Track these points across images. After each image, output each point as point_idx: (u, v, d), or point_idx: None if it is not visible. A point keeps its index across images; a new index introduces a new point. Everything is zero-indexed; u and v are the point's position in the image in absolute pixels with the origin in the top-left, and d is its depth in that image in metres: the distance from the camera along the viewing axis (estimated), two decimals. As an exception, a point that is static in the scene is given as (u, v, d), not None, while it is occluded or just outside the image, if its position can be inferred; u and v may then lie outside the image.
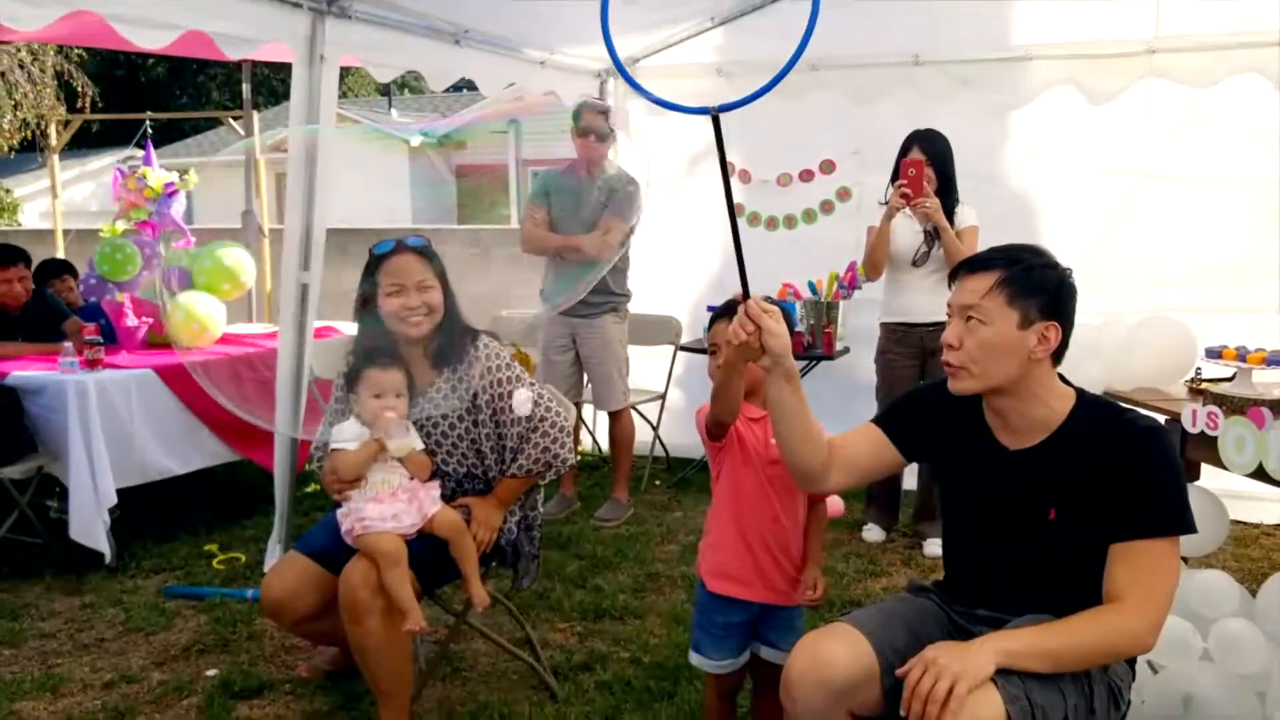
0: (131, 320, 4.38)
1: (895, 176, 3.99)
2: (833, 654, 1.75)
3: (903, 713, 1.63)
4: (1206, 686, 2.35)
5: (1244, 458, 2.67)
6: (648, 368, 5.33)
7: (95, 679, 2.91)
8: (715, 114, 1.74)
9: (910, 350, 3.97)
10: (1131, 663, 1.94)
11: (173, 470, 4.03)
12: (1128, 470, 1.74)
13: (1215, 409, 2.82)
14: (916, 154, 3.92)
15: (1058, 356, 1.85)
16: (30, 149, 13.95)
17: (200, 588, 3.59)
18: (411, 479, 2.49)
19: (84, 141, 18.97)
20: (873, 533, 4.22)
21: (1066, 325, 1.82)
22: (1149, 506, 1.73)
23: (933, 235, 3.94)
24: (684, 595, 3.55)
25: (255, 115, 10.97)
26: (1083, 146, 4.76)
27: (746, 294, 1.85)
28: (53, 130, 11.09)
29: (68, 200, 14.69)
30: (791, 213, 5.39)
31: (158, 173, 6.11)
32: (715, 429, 2.15)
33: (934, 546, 4.01)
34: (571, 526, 4.29)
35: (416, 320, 2.50)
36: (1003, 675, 1.63)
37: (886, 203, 3.98)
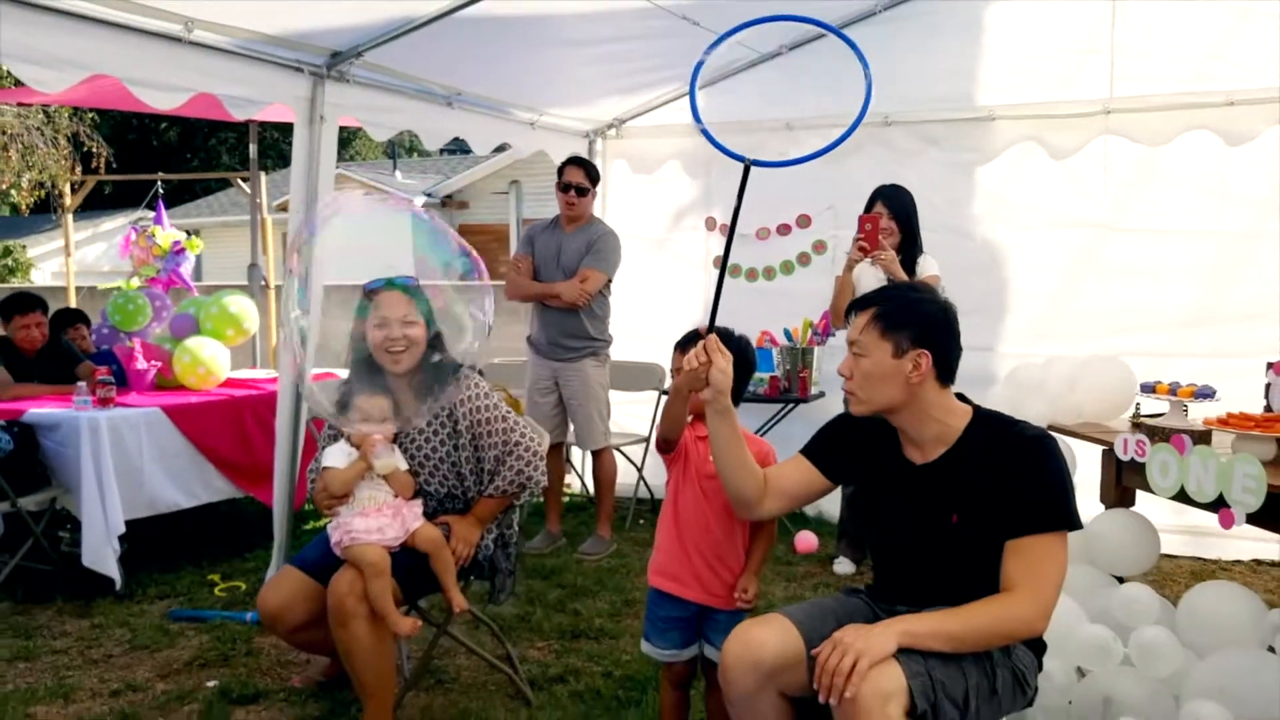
0: (141, 364, 4.64)
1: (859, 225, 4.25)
2: (763, 638, 1.97)
3: (815, 686, 1.83)
4: (1126, 689, 2.53)
5: (1168, 481, 2.89)
6: (632, 412, 5.58)
7: (103, 688, 3.12)
8: (747, 164, 2.11)
9: None
10: (1039, 653, 2.14)
11: (179, 504, 4.26)
12: (1018, 474, 1.96)
13: (1144, 437, 3.05)
14: (879, 208, 4.19)
15: (947, 378, 2.07)
16: (45, 209, 14.40)
17: (203, 610, 3.80)
18: (396, 497, 2.72)
19: (97, 203, 19.51)
20: (843, 565, 4.42)
21: (939, 352, 2.03)
22: (1037, 505, 1.95)
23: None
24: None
25: (262, 176, 11.41)
26: (1044, 200, 5.05)
27: (711, 329, 2.12)
28: (66, 190, 11.49)
29: (80, 259, 15.09)
30: (770, 264, 5.69)
31: (166, 231, 6.45)
32: (662, 444, 2.39)
33: (843, 565, 4.38)
34: (555, 559, 4.50)
35: (398, 351, 2.75)
36: (906, 654, 1.84)
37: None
